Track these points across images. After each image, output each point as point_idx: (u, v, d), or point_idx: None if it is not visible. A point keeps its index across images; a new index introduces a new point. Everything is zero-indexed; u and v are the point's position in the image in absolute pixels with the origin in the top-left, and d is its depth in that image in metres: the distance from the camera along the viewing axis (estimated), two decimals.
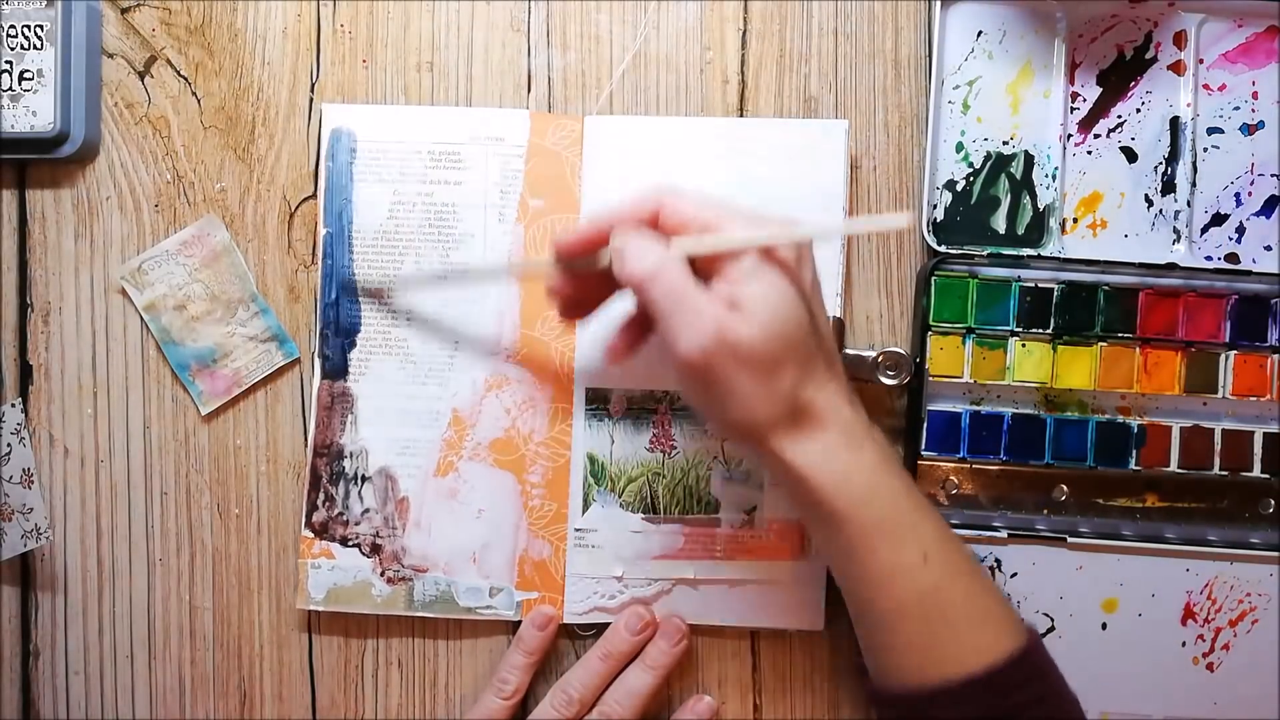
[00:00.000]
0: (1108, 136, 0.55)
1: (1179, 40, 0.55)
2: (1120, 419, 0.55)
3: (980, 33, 0.55)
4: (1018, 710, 0.44)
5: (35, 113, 0.54)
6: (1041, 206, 0.55)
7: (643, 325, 0.49)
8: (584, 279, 0.48)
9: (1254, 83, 0.54)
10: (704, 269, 0.45)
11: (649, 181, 0.50)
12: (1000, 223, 0.55)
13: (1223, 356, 0.54)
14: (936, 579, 0.45)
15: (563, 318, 0.51)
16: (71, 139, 0.55)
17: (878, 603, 0.45)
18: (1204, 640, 0.54)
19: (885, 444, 0.47)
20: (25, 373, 0.56)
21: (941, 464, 0.55)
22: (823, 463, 0.44)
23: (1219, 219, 0.55)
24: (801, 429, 0.44)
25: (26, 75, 0.54)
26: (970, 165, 0.55)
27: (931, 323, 0.54)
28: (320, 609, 0.55)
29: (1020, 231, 0.55)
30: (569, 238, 0.47)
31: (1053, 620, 0.54)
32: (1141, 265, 0.54)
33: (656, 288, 0.43)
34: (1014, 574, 0.54)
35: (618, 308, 0.50)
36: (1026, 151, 0.55)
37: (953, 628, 0.45)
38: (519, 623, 0.55)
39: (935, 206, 0.55)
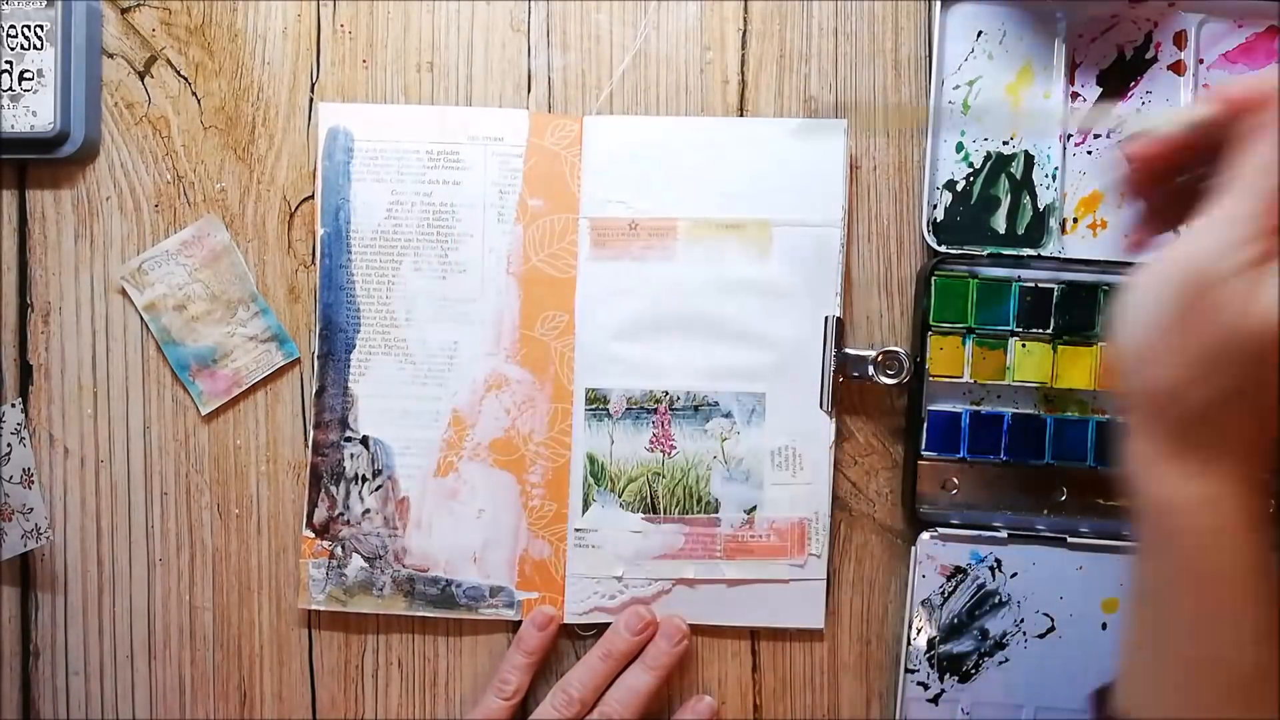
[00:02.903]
0: (1108, 136, 0.55)
1: (1179, 40, 0.55)
2: (1120, 419, 0.55)
3: (980, 33, 0.55)
4: None
5: (35, 113, 0.54)
6: (1041, 206, 0.55)
7: (1166, 218, 0.41)
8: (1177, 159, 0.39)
9: None
10: None
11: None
12: (1000, 223, 0.55)
13: None
14: None
15: (1139, 237, 0.42)
16: (71, 139, 0.55)
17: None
18: None
19: None
20: (25, 373, 0.56)
21: (941, 464, 0.55)
22: None
23: None
24: None
25: (26, 75, 0.54)
26: (970, 165, 0.55)
27: (931, 323, 0.54)
28: (321, 608, 0.55)
29: (1020, 231, 0.55)
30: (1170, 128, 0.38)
31: (1053, 620, 0.54)
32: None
33: (1258, 134, 0.33)
34: (1014, 574, 0.54)
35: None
36: (1026, 151, 0.55)
37: None
38: (519, 623, 0.55)
39: (935, 206, 0.55)
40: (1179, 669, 0.37)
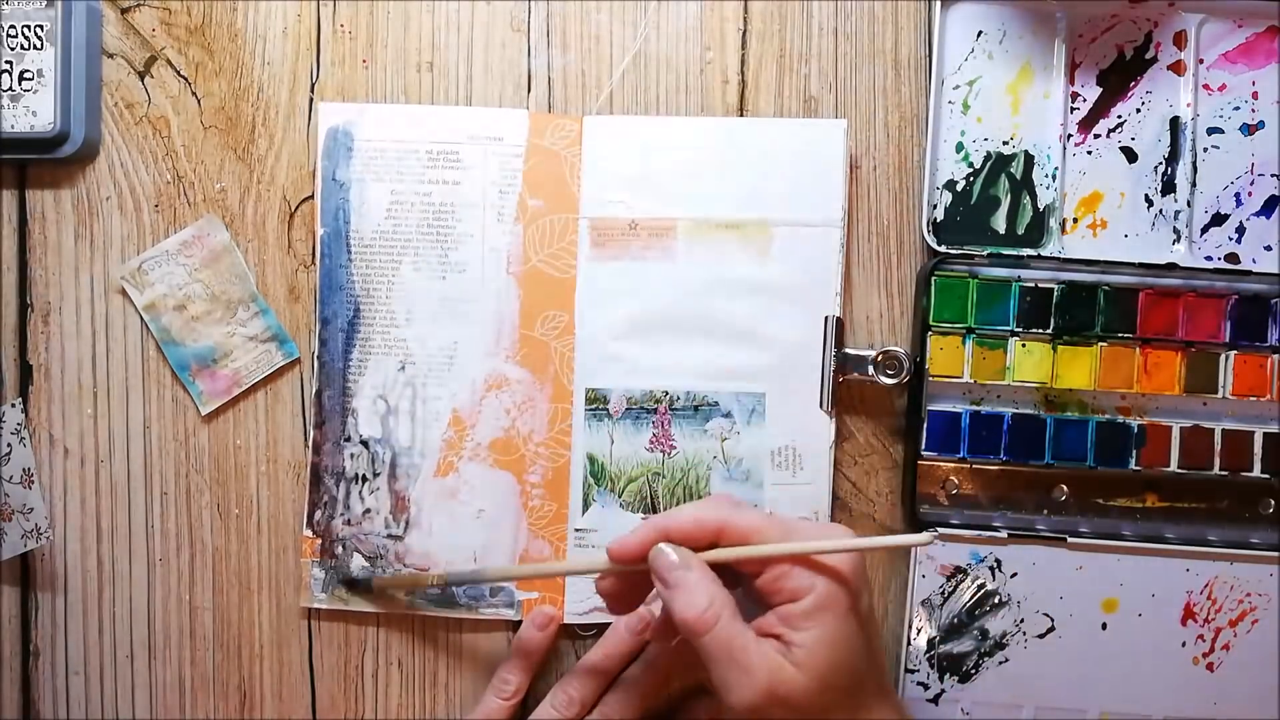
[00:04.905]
0: (1108, 136, 0.55)
1: (1179, 40, 0.55)
2: (1120, 419, 0.55)
3: (980, 33, 0.55)
4: None
5: (35, 113, 0.54)
6: (1041, 206, 0.55)
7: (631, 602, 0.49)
8: (634, 576, 0.47)
9: (1254, 83, 0.54)
10: (761, 597, 0.44)
11: (714, 503, 0.47)
12: (1000, 223, 0.55)
13: (1223, 356, 0.54)
14: None
15: (611, 611, 0.50)
16: (71, 139, 0.55)
17: None
18: (1204, 640, 0.54)
19: None
20: (25, 373, 0.56)
21: (941, 464, 0.55)
22: None
23: (1219, 219, 0.55)
24: None
25: (26, 75, 0.54)
26: (970, 165, 0.55)
27: (931, 323, 0.54)
28: (322, 608, 0.55)
29: (1020, 231, 0.55)
30: (625, 544, 0.46)
31: (1053, 620, 0.54)
32: (1141, 265, 0.54)
33: (706, 639, 0.43)
34: (1014, 574, 0.54)
35: None
36: (1026, 151, 0.55)
37: None
38: (519, 623, 0.55)
39: (935, 206, 0.55)
40: None
